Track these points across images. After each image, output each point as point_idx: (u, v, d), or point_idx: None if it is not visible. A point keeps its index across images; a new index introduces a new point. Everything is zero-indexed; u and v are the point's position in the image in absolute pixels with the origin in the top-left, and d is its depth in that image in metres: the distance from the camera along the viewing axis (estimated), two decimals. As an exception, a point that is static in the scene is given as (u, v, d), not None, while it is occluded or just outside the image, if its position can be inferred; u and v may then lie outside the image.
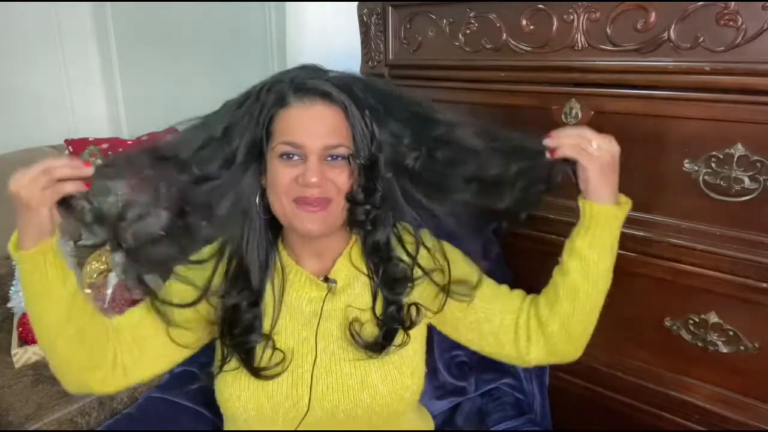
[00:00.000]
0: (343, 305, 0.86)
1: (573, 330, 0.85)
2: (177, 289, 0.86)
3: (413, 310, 0.86)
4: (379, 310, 0.86)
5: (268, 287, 0.86)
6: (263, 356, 0.83)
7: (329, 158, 0.79)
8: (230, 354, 0.84)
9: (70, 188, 0.73)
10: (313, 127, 0.78)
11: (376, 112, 0.80)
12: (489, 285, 0.90)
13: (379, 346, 0.84)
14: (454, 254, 0.90)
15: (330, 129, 0.78)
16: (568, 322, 0.84)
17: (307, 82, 0.79)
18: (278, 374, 0.82)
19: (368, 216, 0.81)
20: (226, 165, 0.79)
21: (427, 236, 0.90)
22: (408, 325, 0.86)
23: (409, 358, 0.87)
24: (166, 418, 1.03)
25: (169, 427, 1.01)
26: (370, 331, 0.85)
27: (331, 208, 0.79)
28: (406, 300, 0.86)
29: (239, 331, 0.84)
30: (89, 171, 0.76)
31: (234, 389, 0.83)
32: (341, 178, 0.79)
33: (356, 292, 0.88)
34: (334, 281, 0.87)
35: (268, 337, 0.84)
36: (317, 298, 0.87)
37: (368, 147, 0.80)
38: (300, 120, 0.78)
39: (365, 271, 0.88)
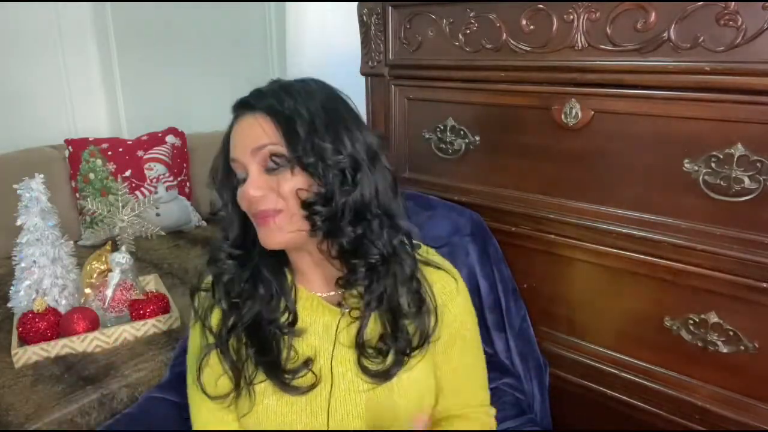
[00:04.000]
0: (356, 330, 0.82)
1: None
2: (205, 373, 0.84)
3: (415, 339, 0.82)
4: (375, 336, 0.83)
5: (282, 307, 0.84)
6: (288, 365, 0.81)
7: (268, 169, 0.75)
8: (255, 369, 0.81)
9: None
10: (240, 138, 0.77)
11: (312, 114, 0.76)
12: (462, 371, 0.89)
13: (383, 374, 0.81)
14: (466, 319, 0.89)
15: (255, 135, 0.75)
16: None
17: (243, 98, 0.79)
18: (310, 386, 0.80)
19: (324, 222, 0.75)
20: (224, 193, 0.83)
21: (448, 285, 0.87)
22: (408, 352, 0.82)
23: (425, 375, 0.85)
24: (166, 418, 1.02)
25: (169, 427, 1.01)
26: (377, 357, 0.82)
27: (279, 218, 0.75)
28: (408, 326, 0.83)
29: (264, 335, 0.81)
30: None
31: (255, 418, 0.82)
32: (285, 186, 0.74)
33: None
34: (348, 307, 0.83)
35: (293, 332, 0.82)
36: (331, 323, 0.84)
37: (307, 145, 0.74)
38: (234, 134, 0.78)
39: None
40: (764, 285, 0.97)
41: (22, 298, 1.39)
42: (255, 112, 0.77)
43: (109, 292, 1.38)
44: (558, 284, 1.25)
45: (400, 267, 0.81)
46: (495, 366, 1.19)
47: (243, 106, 0.78)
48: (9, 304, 1.42)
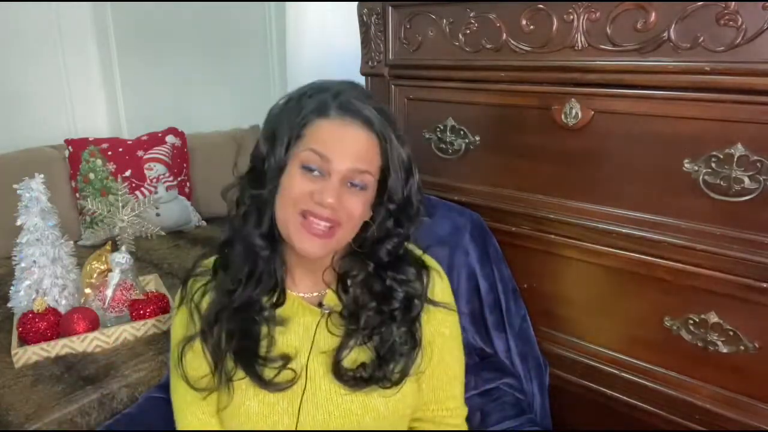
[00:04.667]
0: (334, 345, 0.82)
1: None
2: (190, 363, 0.84)
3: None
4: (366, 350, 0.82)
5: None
6: (268, 366, 0.80)
7: (350, 184, 0.76)
8: (235, 366, 0.80)
9: None
10: (346, 146, 0.74)
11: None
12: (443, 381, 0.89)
13: (363, 382, 0.80)
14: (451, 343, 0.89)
15: (362, 153, 0.75)
16: None
17: (352, 101, 0.76)
18: (288, 381, 0.79)
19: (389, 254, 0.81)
20: (276, 175, 0.77)
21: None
22: (389, 386, 0.81)
23: (410, 390, 0.84)
24: (166, 418, 1.02)
25: (169, 427, 1.01)
26: (356, 361, 0.81)
27: (337, 235, 0.76)
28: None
29: (245, 329, 0.81)
30: None
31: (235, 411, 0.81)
32: (357, 207, 0.76)
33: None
34: (329, 309, 0.84)
35: (276, 319, 0.82)
36: (311, 324, 0.84)
37: (401, 189, 0.79)
38: (335, 133, 0.75)
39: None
40: (764, 285, 0.97)
41: (22, 298, 1.39)
42: (370, 132, 0.76)
43: (109, 292, 1.38)
44: (558, 284, 1.25)
45: (408, 309, 0.83)
46: (495, 366, 1.19)
47: (362, 116, 0.76)
48: (9, 304, 1.42)
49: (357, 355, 0.82)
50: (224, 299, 0.82)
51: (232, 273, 0.82)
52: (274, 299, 0.83)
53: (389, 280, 0.82)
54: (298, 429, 0.80)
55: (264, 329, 0.82)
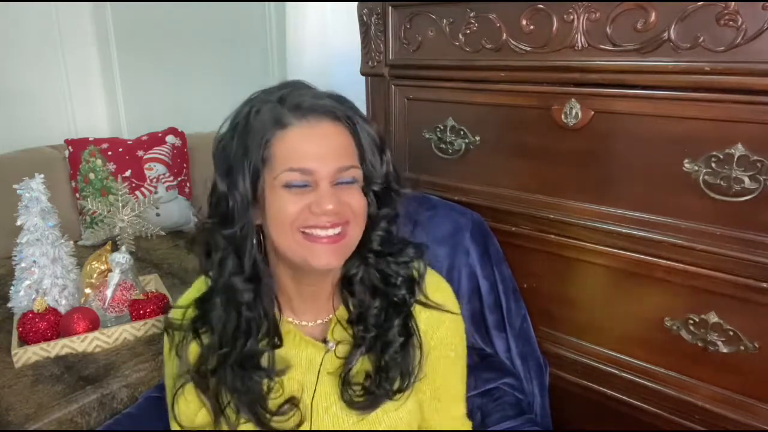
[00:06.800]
0: (341, 363, 0.79)
1: None
2: (183, 410, 0.81)
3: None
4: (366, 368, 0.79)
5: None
6: (272, 405, 0.77)
7: (339, 183, 0.71)
8: (237, 414, 0.76)
9: None
10: (323, 149, 0.69)
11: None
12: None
13: (369, 405, 0.77)
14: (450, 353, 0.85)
15: (340, 149, 0.70)
16: None
17: (303, 101, 0.70)
18: (295, 426, 0.76)
19: (384, 243, 0.76)
20: (244, 211, 0.71)
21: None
22: (392, 395, 0.78)
23: (414, 408, 0.82)
24: (166, 418, 1.02)
25: (169, 427, 1.01)
26: (362, 396, 0.78)
27: (349, 234, 0.72)
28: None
29: (245, 375, 0.75)
30: None
31: None
32: (357, 201, 0.72)
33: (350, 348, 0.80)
34: (333, 344, 0.79)
35: (275, 372, 0.77)
36: (315, 357, 0.80)
37: (380, 168, 0.74)
38: (305, 141, 0.69)
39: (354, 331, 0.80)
40: (764, 285, 0.97)
41: (22, 298, 1.39)
42: (337, 122, 0.71)
43: (109, 292, 1.38)
44: (558, 284, 1.25)
45: (404, 298, 0.79)
46: (495, 366, 1.19)
47: (321, 111, 0.70)
48: (9, 304, 1.42)
49: (362, 365, 0.79)
50: (216, 359, 0.76)
51: (219, 331, 0.76)
52: (271, 343, 0.78)
53: (393, 266, 0.79)
54: None
55: (266, 382, 0.77)
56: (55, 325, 1.31)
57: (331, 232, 0.70)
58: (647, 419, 1.17)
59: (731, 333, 1.03)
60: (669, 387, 1.13)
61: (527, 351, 1.23)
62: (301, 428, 0.77)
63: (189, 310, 0.81)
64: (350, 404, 0.77)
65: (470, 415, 1.07)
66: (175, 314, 0.82)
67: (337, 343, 0.80)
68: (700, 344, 1.07)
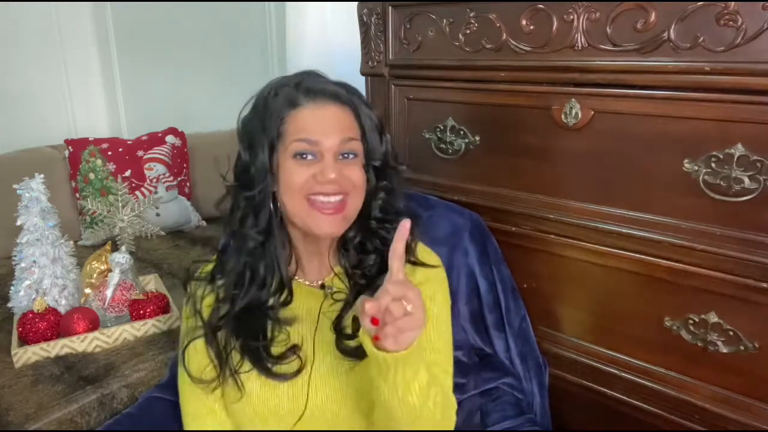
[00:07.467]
0: (338, 309, 0.86)
1: None
2: (193, 358, 0.87)
3: None
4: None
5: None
6: (274, 352, 0.83)
7: (342, 156, 0.81)
8: (241, 359, 0.83)
9: None
10: (328, 125, 0.80)
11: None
12: None
13: (362, 350, 0.79)
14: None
15: (343, 125, 0.82)
16: None
17: (315, 85, 0.83)
18: (295, 372, 0.81)
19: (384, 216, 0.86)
20: (263, 177, 0.82)
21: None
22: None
23: None
24: (166, 418, 1.03)
25: (169, 427, 1.01)
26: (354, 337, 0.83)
27: (348, 205, 0.81)
28: None
29: (253, 324, 0.84)
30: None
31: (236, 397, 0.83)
32: (357, 174, 0.82)
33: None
34: (331, 288, 0.88)
35: (284, 320, 0.85)
36: (314, 307, 0.87)
37: (379, 147, 0.86)
38: (314, 118, 0.81)
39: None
40: (764, 285, 0.97)
41: (22, 298, 1.39)
42: (342, 105, 0.83)
43: (109, 292, 1.38)
44: (558, 284, 1.25)
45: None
46: (495, 366, 1.19)
47: (328, 94, 0.82)
48: (9, 304, 1.43)
49: (355, 315, 0.83)
50: (226, 305, 0.85)
51: (232, 277, 0.86)
52: (281, 298, 0.86)
53: (391, 231, 0.84)
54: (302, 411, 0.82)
55: (270, 327, 0.85)
56: (55, 325, 1.31)
57: (333, 199, 0.80)
58: (647, 419, 1.17)
59: (731, 333, 1.03)
60: (669, 387, 1.13)
61: (527, 351, 1.23)
62: (301, 375, 0.83)
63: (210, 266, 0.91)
64: (344, 352, 0.82)
65: (470, 414, 1.08)
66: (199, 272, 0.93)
67: (335, 291, 0.88)
68: (700, 344, 1.07)
